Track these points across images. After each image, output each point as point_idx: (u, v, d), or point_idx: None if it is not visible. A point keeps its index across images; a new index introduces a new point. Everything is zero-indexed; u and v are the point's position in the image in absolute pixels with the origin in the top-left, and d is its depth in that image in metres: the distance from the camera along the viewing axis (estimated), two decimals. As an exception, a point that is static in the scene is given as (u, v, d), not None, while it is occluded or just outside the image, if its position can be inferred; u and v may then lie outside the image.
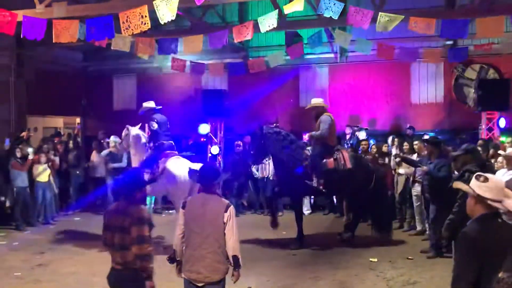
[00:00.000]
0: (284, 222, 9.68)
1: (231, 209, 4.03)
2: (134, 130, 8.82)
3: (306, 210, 11.25)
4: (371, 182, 8.62)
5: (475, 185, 2.98)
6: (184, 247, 4.08)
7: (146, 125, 9.41)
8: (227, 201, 4.14)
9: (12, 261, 7.61)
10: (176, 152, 8.80)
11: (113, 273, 4.03)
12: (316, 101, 9.07)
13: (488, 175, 3.03)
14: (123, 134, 8.98)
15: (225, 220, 3.97)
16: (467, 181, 3.43)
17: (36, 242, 8.83)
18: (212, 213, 3.98)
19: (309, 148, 8.77)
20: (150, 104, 8.90)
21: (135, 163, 8.78)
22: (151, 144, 8.76)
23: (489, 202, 2.91)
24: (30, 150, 10.19)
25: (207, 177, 4.14)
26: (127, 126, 8.94)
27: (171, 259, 4.20)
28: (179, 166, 8.22)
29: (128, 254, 3.87)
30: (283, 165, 8.60)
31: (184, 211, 4.06)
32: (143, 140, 8.86)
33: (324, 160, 8.44)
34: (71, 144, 11.99)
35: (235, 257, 4.00)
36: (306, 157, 8.57)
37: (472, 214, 3.03)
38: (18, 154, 9.92)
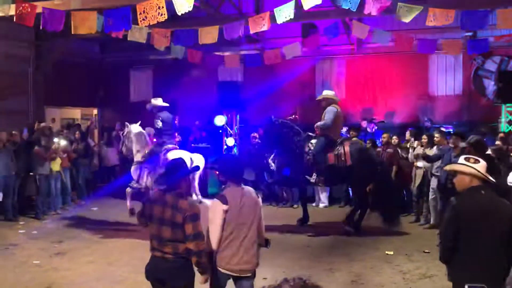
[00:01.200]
0: (298, 214, 9.70)
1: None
2: (135, 128, 8.96)
3: (322, 203, 11.24)
4: (375, 176, 8.63)
5: (471, 165, 3.63)
6: (226, 243, 3.97)
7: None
8: (251, 188, 4.25)
9: (31, 249, 7.74)
10: (177, 147, 8.94)
11: (161, 262, 3.91)
12: (327, 93, 9.14)
13: (475, 157, 3.72)
14: (124, 132, 9.11)
15: (260, 204, 4.18)
16: None
17: (54, 231, 8.96)
18: (251, 202, 4.07)
19: (313, 141, 8.74)
20: (158, 101, 9.00)
21: (138, 159, 8.87)
22: (155, 140, 8.90)
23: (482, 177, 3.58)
24: (62, 142, 10.39)
25: (236, 171, 4.19)
26: (127, 123, 9.08)
27: (207, 262, 3.99)
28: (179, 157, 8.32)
29: (180, 246, 3.84)
30: (286, 156, 8.68)
31: (227, 206, 3.94)
32: (145, 136, 8.99)
33: (325, 156, 8.46)
34: (77, 135, 12.03)
35: (267, 239, 4.25)
36: (308, 151, 8.59)
37: (463, 189, 3.68)
38: (43, 142, 10.03)
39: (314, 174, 8.55)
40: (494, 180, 3.70)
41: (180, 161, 4.14)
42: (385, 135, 10.24)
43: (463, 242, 3.56)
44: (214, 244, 3.95)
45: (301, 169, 8.62)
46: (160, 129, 8.67)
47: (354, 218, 8.85)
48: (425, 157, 8.63)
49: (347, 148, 8.52)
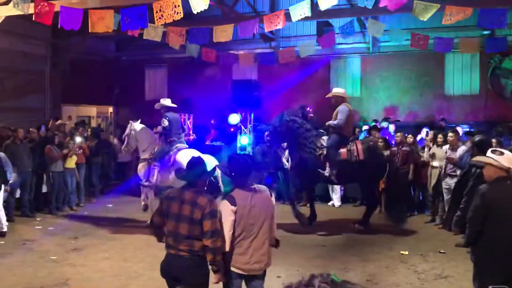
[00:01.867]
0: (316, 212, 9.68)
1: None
2: (138, 125, 9.11)
3: (337, 202, 11.21)
4: (384, 174, 8.76)
5: (497, 158, 4.02)
6: (236, 242, 3.97)
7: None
8: (265, 187, 4.22)
9: (48, 245, 7.84)
10: (187, 146, 8.98)
11: (176, 260, 3.91)
12: (338, 90, 9.14)
13: (501, 150, 4.16)
14: (127, 131, 9.20)
15: (273, 204, 4.17)
16: (474, 176, 5.22)
17: (70, 227, 9.06)
18: (263, 201, 4.06)
19: (325, 137, 8.81)
20: (166, 101, 9.12)
21: (145, 156, 8.95)
22: (162, 139, 8.96)
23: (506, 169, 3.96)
24: (78, 139, 10.53)
25: (243, 173, 4.12)
26: (130, 121, 9.19)
27: (221, 263, 3.96)
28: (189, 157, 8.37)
29: (196, 243, 3.84)
30: (297, 153, 8.72)
31: (235, 207, 3.93)
32: (150, 132, 9.06)
33: (338, 151, 8.53)
34: (88, 132, 12.15)
35: (277, 239, 4.24)
36: (321, 146, 8.66)
37: (489, 180, 4.08)
38: (56, 141, 10.16)
39: (327, 168, 8.58)
40: None
41: (200, 160, 4.16)
42: (399, 134, 10.16)
43: (489, 227, 3.96)
44: (224, 244, 3.95)
45: (311, 165, 8.64)
46: (166, 127, 8.77)
47: (369, 218, 8.90)
48: (453, 163, 8.50)
49: (359, 145, 8.62)
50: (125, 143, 9.34)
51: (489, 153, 4.13)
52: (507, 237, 3.92)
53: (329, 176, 8.61)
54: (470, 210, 4.19)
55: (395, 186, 9.01)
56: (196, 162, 4.12)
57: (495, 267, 3.97)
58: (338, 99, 8.81)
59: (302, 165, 8.62)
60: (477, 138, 6.29)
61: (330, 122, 8.71)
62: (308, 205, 9.94)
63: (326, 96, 9.11)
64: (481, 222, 4.00)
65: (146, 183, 8.84)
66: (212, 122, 14.07)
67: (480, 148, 5.85)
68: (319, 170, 8.60)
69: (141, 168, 8.97)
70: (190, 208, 3.86)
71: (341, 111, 8.57)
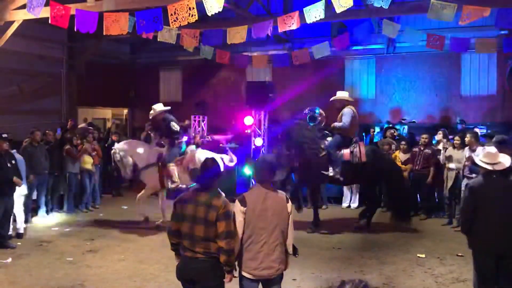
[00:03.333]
0: (328, 215, 9.62)
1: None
2: (120, 144, 9.24)
3: (353, 204, 11.15)
4: (386, 175, 8.91)
5: (482, 158, 4.72)
6: (245, 246, 3.94)
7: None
8: (283, 192, 4.14)
9: (64, 246, 7.91)
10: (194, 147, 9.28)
11: (192, 262, 3.90)
12: (341, 94, 9.23)
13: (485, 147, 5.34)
14: (115, 158, 9.09)
15: (289, 211, 4.03)
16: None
17: (86, 229, 9.13)
18: (277, 205, 3.97)
19: (329, 138, 8.95)
20: (159, 106, 9.18)
21: (148, 162, 9.00)
22: (168, 141, 9.02)
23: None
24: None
25: (265, 171, 4.08)
26: (113, 148, 9.26)
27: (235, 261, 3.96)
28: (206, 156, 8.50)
29: (212, 245, 3.84)
30: (301, 154, 8.83)
31: (245, 208, 3.91)
32: (136, 141, 9.07)
33: (341, 152, 8.69)
34: (93, 135, 12.19)
35: (294, 246, 4.11)
36: (324, 147, 8.82)
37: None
38: (74, 142, 10.27)
39: (330, 168, 8.73)
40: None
41: (214, 161, 4.15)
42: (424, 135, 10.03)
43: (479, 216, 4.59)
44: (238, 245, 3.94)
45: (314, 167, 8.71)
46: (176, 130, 8.85)
47: (371, 218, 9.11)
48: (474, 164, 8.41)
49: (362, 147, 8.77)
50: (121, 170, 9.20)
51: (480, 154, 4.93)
52: (493, 221, 4.53)
53: (334, 175, 8.73)
54: (461, 202, 5.01)
55: (397, 188, 9.06)
56: (208, 165, 4.09)
57: (486, 248, 4.61)
58: (342, 102, 8.97)
59: (306, 166, 8.68)
60: (499, 137, 6.27)
61: (335, 124, 8.84)
62: (323, 207, 9.95)
63: (330, 100, 9.17)
64: (471, 212, 4.63)
65: (173, 185, 8.88)
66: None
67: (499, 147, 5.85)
68: (323, 171, 8.71)
69: (171, 170, 8.97)
70: (205, 209, 3.85)
71: (346, 113, 8.72)
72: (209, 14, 7.25)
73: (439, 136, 10.28)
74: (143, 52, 17.61)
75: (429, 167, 9.74)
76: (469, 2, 8.16)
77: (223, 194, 4.06)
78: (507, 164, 4.59)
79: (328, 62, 14.00)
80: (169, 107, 9.33)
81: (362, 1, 11.50)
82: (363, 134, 12.54)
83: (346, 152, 8.69)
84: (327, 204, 11.19)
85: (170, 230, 4.10)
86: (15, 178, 7.76)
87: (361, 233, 8.72)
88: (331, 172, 8.70)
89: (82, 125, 12.26)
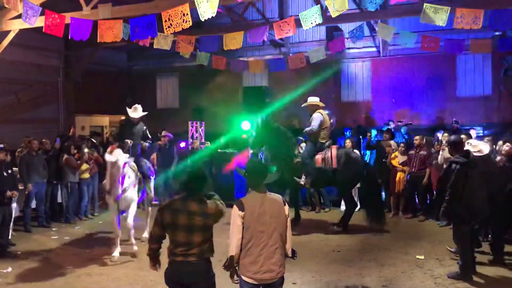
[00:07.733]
0: (329, 218, 9.64)
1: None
2: (109, 156, 7.41)
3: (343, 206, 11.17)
4: (359, 179, 9.08)
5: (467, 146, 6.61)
6: (245, 250, 3.94)
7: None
8: (280, 196, 4.15)
9: (64, 255, 7.90)
10: None
11: (184, 266, 3.90)
12: (312, 99, 9.37)
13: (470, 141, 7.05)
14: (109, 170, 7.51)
15: (286, 213, 4.06)
16: (454, 171, 6.09)
17: (85, 237, 9.13)
18: (274, 208, 3.99)
19: (303, 145, 9.21)
20: (140, 111, 8.70)
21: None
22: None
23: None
24: (85, 150, 10.61)
25: (255, 175, 4.09)
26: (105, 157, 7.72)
27: (228, 267, 3.92)
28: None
29: (206, 246, 3.95)
30: (276, 160, 9.01)
31: (243, 213, 3.92)
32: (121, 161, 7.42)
33: (313, 159, 8.84)
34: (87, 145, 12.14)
35: (293, 249, 4.12)
36: (298, 153, 9.07)
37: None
38: (72, 151, 10.27)
39: (303, 176, 8.89)
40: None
41: (200, 168, 4.19)
42: (417, 137, 10.09)
43: (465, 192, 6.13)
44: (232, 248, 3.93)
45: (287, 173, 8.86)
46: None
47: (348, 221, 9.15)
48: None
49: (333, 152, 8.89)
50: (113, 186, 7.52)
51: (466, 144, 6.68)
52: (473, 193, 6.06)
53: (304, 185, 8.97)
54: (452, 178, 6.13)
55: (370, 189, 9.20)
56: (194, 172, 4.09)
57: (465, 213, 6.12)
58: (313, 107, 9.16)
59: (280, 172, 8.72)
60: (451, 138, 6.69)
61: (306, 129, 9.02)
62: (325, 210, 9.97)
63: (302, 106, 9.31)
64: (461, 187, 6.06)
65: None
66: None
67: (454, 146, 6.45)
68: (295, 178, 8.88)
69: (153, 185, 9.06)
70: (202, 219, 3.91)
71: (315, 118, 8.93)
72: (203, 19, 7.28)
73: (442, 136, 10.31)
74: (140, 59, 17.66)
75: (425, 168, 9.78)
76: (463, 4, 8.23)
77: (206, 196, 4.08)
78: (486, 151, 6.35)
79: (324, 65, 14.05)
80: (144, 113, 8.82)
81: (357, 5, 11.60)
82: (361, 137, 12.57)
83: (318, 158, 8.87)
84: (330, 207, 11.14)
85: (153, 236, 4.11)
86: (8, 192, 7.75)
87: (360, 236, 8.73)
88: (302, 181, 8.90)
89: (72, 130, 12.12)
